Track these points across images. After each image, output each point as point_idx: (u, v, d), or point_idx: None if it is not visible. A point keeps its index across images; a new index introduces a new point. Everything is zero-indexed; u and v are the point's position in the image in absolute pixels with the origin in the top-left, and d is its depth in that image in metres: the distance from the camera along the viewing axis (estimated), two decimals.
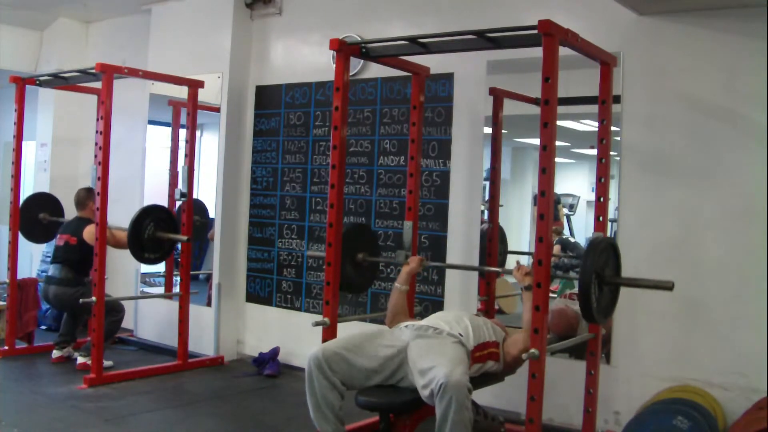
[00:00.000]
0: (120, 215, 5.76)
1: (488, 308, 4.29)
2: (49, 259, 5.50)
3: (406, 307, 3.68)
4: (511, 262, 4.40)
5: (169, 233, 4.95)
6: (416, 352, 3.08)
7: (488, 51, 3.44)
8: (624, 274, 3.76)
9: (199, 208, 5.55)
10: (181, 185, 5.17)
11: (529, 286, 3.06)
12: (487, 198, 4.40)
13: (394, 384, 3.15)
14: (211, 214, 5.63)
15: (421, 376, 2.92)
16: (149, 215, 4.91)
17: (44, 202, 5.74)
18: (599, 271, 2.91)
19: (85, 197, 5.22)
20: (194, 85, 5.22)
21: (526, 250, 4.51)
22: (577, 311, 3.84)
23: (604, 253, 2.97)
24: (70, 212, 5.44)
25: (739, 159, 3.57)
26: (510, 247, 4.49)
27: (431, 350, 3.05)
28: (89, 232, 4.95)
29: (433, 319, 3.37)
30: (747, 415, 3.24)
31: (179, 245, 5.21)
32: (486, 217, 4.40)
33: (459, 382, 2.78)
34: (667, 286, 2.94)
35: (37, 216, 5.61)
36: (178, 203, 5.32)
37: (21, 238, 5.47)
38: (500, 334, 3.37)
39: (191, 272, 5.23)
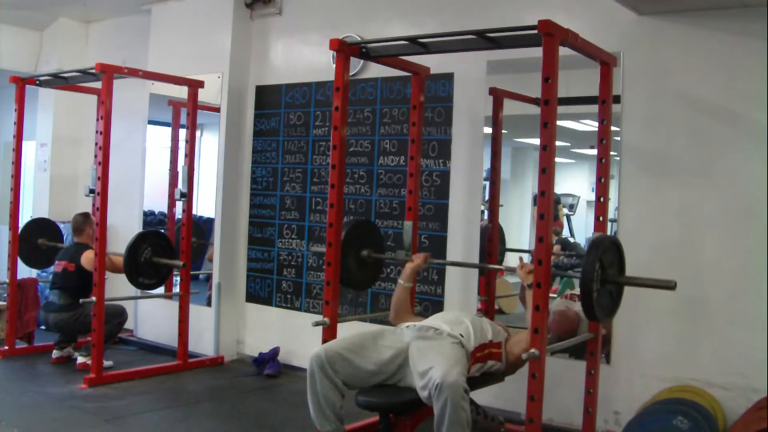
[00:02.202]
0: (120, 215, 5.78)
1: (488, 308, 4.28)
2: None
3: (409, 304, 3.70)
4: (510, 259, 4.41)
5: (166, 259, 4.94)
6: (416, 353, 3.08)
7: (488, 51, 3.44)
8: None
9: (197, 228, 5.51)
10: (181, 185, 5.17)
11: (532, 284, 3.05)
12: (487, 198, 4.39)
13: (395, 384, 3.15)
14: (211, 215, 5.62)
15: (420, 378, 2.93)
16: (146, 240, 4.89)
17: (43, 227, 5.74)
18: (602, 269, 2.89)
19: (82, 223, 5.21)
20: (194, 85, 5.22)
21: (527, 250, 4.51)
22: (577, 312, 3.84)
23: (607, 251, 2.95)
24: (68, 225, 5.42)
25: (739, 159, 3.57)
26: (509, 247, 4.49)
27: (430, 351, 3.05)
28: (87, 258, 4.95)
29: (434, 320, 3.38)
30: (747, 415, 3.24)
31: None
32: (486, 217, 4.40)
33: (455, 382, 2.78)
34: (669, 286, 2.92)
35: (36, 242, 5.60)
36: (178, 204, 5.31)
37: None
38: (502, 335, 3.38)
39: (191, 272, 5.24)
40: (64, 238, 5.85)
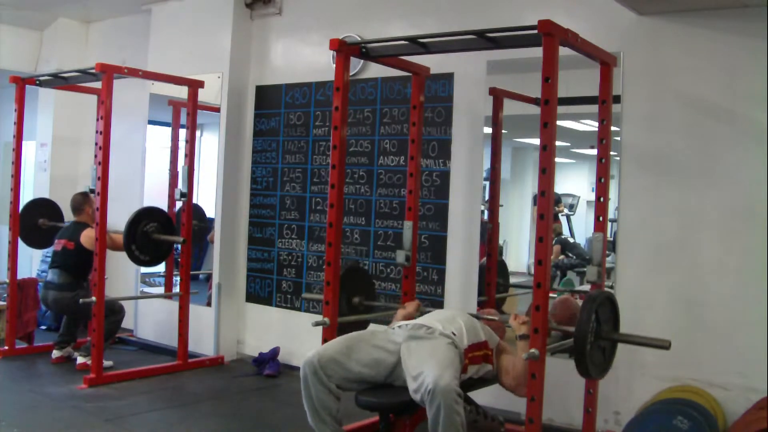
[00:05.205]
0: (120, 215, 5.76)
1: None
2: (49, 260, 5.50)
3: None
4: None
5: (167, 235, 4.94)
6: (408, 354, 3.06)
7: (488, 51, 3.44)
8: (623, 274, 3.78)
9: (198, 212, 5.53)
10: (181, 185, 5.17)
11: (524, 335, 3.01)
12: (487, 198, 4.40)
13: (391, 384, 3.14)
14: (211, 214, 5.63)
15: (412, 381, 2.91)
16: (147, 217, 4.91)
17: (43, 207, 5.75)
18: (597, 323, 2.88)
19: (81, 202, 5.21)
20: (194, 85, 5.22)
21: (526, 250, 4.51)
22: (579, 303, 3.83)
23: (602, 307, 2.94)
24: (69, 215, 5.42)
25: (739, 159, 3.57)
26: (510, 248, 4.49)
27: (422, 353, 3.02)
28: (87, 237, 4.95)
29: (426, 319, 3.35)
30: (747, 415, 3.24)
31: (179, 247, 5.21)
32: (486, 217, 4.40)
33: (447, 386, 2.76)
34: (664, 346, 2.93)
35: (36, 221, 5.62)
36: (178, 204, 5.32)
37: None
38: (494, 340, 3.35)
39: (191, 272, 5.24)
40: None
